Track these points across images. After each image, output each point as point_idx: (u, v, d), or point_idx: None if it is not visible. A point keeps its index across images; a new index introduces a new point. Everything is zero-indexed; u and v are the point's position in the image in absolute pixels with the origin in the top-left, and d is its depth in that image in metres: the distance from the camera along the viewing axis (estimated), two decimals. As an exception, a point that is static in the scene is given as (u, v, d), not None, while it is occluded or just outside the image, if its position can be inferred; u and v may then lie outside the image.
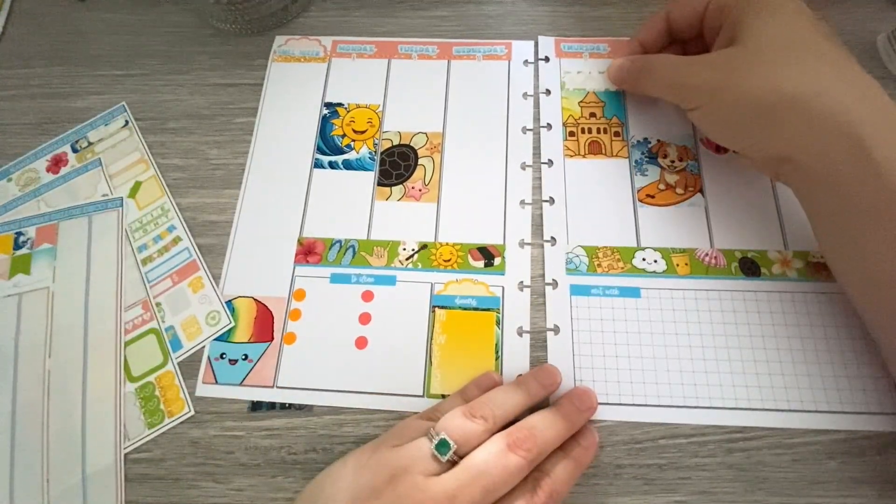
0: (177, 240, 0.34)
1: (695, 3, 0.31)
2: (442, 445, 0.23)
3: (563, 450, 0.26)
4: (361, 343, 0.31)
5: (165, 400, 0.30)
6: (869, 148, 0.24)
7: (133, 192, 0.35)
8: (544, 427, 0.25)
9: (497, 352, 0.30)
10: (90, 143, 0.37)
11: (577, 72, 0.37)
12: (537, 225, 0.33)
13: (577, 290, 0.31)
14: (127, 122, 0.38)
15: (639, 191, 0.33)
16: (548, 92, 0.37)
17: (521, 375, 0.29)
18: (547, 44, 0.39)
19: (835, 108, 0.25)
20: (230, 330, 0.31)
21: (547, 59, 0.38)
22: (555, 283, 0.31)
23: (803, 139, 0.26)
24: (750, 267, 0.31)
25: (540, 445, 0.24)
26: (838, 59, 0.26)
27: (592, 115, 0.36)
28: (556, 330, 0.30)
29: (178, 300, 0.32)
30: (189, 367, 0.31)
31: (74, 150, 0.37)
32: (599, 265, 0.32)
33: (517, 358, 0.30)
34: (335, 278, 0.32)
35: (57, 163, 0.37)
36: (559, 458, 0.25)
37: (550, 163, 0.34)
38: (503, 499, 0.23)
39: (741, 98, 0.27)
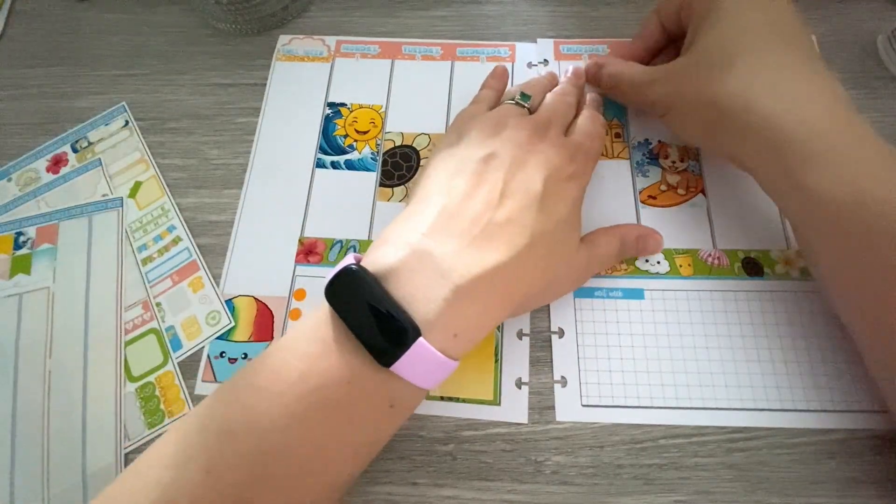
0: (177, 240, 0.34)
1: (674, 2, 0.32)
2: (523, 97, 0.30)
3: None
4: (362, 343, 0.30)
5: (166, 400, 0.30)
6: (793, 160, 0.24)
7: (133, 192, 0.35)
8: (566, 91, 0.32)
9: (496, 354, 0.30)
10: (90, 143, 0.37)
11: None
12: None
13: (580, 293, 0.31)
14: (127, 122, 0.38)
15: (640, 192, 0.33)
16: (548, 93, 0.37)
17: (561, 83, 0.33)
18: (546, 46, 0.39)
19: (764, 117, 0.25)
20: (230, 329, 0.31)
21: (546, 62, 0.38)
22: (556, 285, 0.31)
23: (742, 148, 0.27)
24: (753, 267, 0.31)
25: (574, 92, 0.32)
26: (784, 63, 0.26)
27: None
28: (561, 333, 0.30)
29: (178, 300, 0.32)
30: (189, 367, 0.31)
31: (74, 150, 0.37)
32: (602, 266, 0.32)
33: (517, 360, 0.30)
34: (336, 278, 0.32)
35: (57, 163, 0.37)
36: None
37: (551, 164, 0.35)
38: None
39: (689, 109, 0.29)
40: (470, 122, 0.29)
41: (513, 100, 0.30)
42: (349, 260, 0.23)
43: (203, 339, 0.31)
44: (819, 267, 0.27)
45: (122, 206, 0.35)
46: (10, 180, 0.36)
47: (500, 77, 0.35)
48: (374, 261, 0.23)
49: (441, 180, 0.26)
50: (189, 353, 0.31)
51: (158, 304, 0.32)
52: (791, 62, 0.26)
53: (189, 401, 0.30)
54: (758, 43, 0.27)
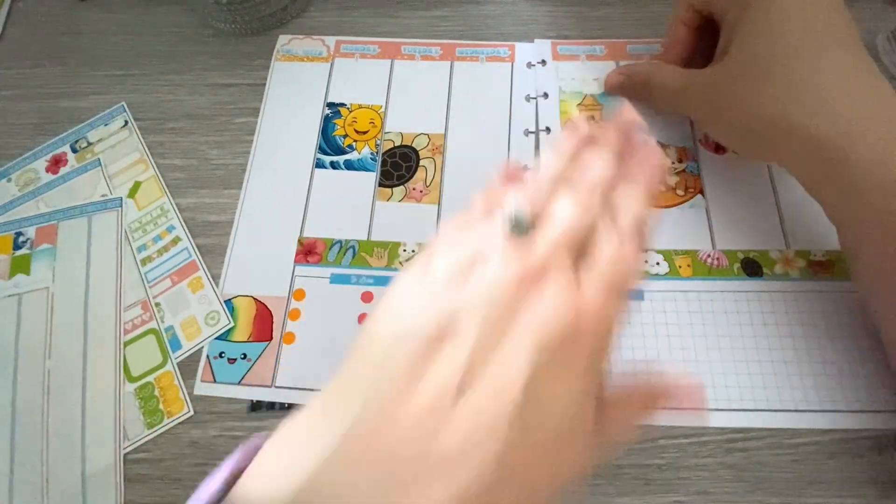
0: (176, 240, 0.34)
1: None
2: (518, 229, 0.19)
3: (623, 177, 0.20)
4: (361, 343, 0.30)
5: (165, 400, 0.30)
6: (838, 167, 0.24)
7: (132, 193, 0.35)
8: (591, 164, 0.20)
9: (497, 352, 0.30)
10: (90, 144, 0.37)
11: (571, 78, 0.37)
12: (538, 225, 0.33)
13: (579, 293, 0.31)
14: (126, 122, 0.38)
15: (639, 192, 0.33)
16: (546, 95, 0.37)
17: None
18: (543, 46, 0.39)
19: (805, 130, 0.25)
20: (230, 330, 0.31)
21: (544, 63, 0.38)
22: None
23: (784, 156, 0.27)
24: (752, 267, 0.31)
25: (597, 195, 0.19)
26: (825, 69, 0.25)
27: (591, 118, 0.36)
28: (559, 333, 0.30)
29: (178, 300, 0.32)
30: (188, 367, 0.31)
31: (74, 151, 0.37)
32: (601, 267, 0.32)
33: (517, 358, 0.30)
34: (335, 279, 0.32)
35: (56, 163, 0.37)
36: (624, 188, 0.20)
37: (551, 164, 0.34)
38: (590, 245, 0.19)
39: (725, 122, 0.29)
40: (443, 250, 0.19)
41: (508, 219, 0.19)
42: (229, 467, 0.17)
43: (202, 339, 0.31)
44: (864, 267, 0.26)
45: (121, 206, 0.35)
46: (9, 180, 0.36)
47: (510, 179, 0.22)
48: (253, 491, 0.17)
49: (375, 353, 0.17)
50: (188, 354, 0.31)
51: (158, 305, 0.32)
52: (833, 66, 0.25)
53: (188, 401, 0.30)
54: (795, 50, 0.25)
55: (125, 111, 0.38)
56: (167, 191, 0.35)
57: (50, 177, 0.36)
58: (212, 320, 0.31)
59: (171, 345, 0.31)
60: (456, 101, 0.37)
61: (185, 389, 0.30)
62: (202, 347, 0.31)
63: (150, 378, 0.30)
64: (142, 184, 0.36)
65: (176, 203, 0.35)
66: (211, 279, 0.33)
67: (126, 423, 0.29)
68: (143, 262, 0.33)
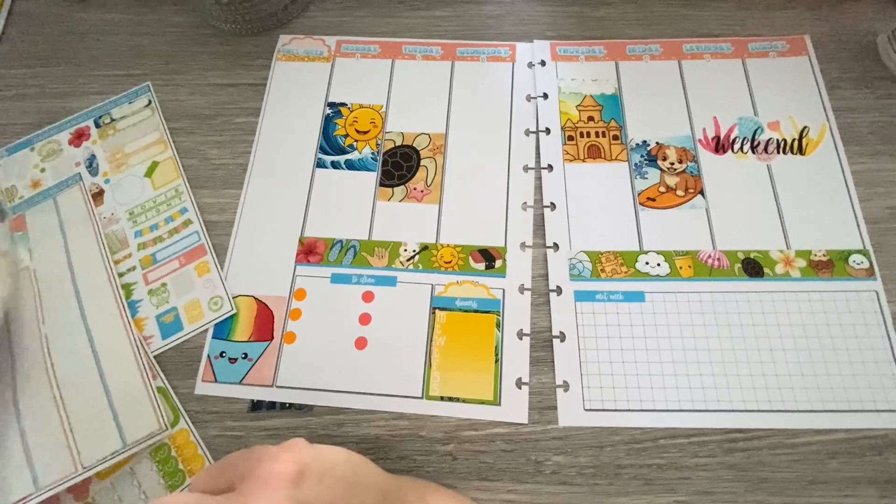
0: (188, 222, 0.34)
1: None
2: None
3: None
4: (361, 343, 0.31)
5: (183, 459, 0.29)
6: None
7: (150, 172, 0.36)
8: None
9: (497, 354, 0.30)
10: (113, 120, 0.38)
11: (570, 78, 0.37)
12: (538, 226, 0.33)
13: (581, 297, 0.31)
14: (150, 101, 0.38)
15: (639, 194, 0.33)
16: (545, 96, 0.37)
17: None
18: (542, 47, 0.39)
19: None
20: (230, 328, 0.31)
21: (543, 63, 0.38)
22: (559, 290, 0.31)
23: None
24: (753, 267, 0.31)
25: None
26: None
27: (590, 118, 0.36)
28: (562, 337, 0.30)
29: (184, 283, 0.32)
30: (188, 367, 0.31)
31: (97, 126, 0.38)
32: (603, 270, 0.32)
33: (517, 360, 0.30)
34: (336, 278, 0.32)
35: (80, 136, 0.37)
36: None
37: (550, 168, 0.34)
38: None
39: None
40: None
41: None
42: None
43: (204, 322, 0.31)
44: None
45: (80, 179, 0.35)
46: (32, 149, 0.37)
47: None
48: None
49: None
50: (189, 336, 0.31)
51: (164, 285, 0.32)
52: None
53: (208, 455, 0.29)
54: None
55: (149, 91, 0.38)
56: (183, 172, 0.35)
57: (72, 149, 0.37)
58: (215, 305, 0.32)
59: (172, 326, 0.31)
60: (457, 101, 0.37)
61: (202, 444, 0.29)
62: (203, 345, 0.31)
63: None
64: (159, 164, 0.36)
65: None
66: (217, 265, 0.33)
67: (147, 490, 0.28)
68: (155, 241, 0.34)
